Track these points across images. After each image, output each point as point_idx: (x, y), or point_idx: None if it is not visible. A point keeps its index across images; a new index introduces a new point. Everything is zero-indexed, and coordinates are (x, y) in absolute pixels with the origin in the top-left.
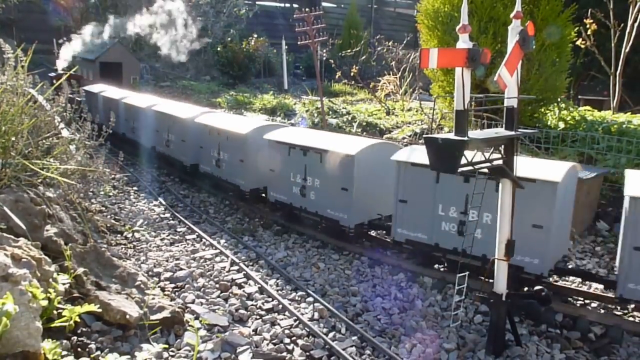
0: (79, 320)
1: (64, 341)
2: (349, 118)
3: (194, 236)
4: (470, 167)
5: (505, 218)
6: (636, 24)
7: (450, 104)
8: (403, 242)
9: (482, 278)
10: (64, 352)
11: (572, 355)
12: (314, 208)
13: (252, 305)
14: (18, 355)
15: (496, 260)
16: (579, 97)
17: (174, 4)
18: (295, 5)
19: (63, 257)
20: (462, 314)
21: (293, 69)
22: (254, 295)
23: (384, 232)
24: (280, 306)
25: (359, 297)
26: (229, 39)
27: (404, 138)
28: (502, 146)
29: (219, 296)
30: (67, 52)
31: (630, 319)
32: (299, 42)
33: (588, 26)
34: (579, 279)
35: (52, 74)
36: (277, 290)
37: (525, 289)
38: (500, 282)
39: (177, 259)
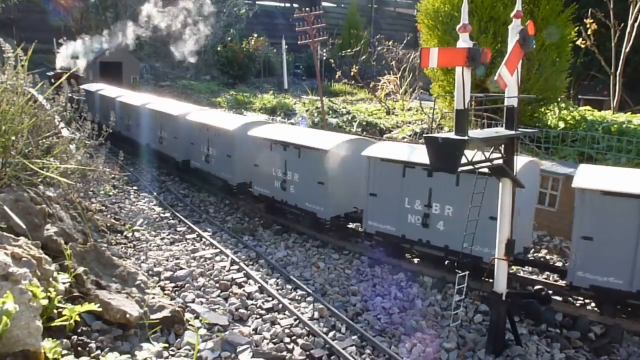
0: (79, 319)
1: (64, 340)
2: (349, 118)
3: (194, 235)
4: (470, 167)
5: (505, 218)
6: (636, 24)
7: (450, 104)
8: (374, 233)
9: (446, 265)
10: (64, 351)
11: (572, 354)
12: (294, 201)
13: (252, 304)
14: (18, 354)
15: (496, 260)
16: (579, 96)
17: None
18: (295, 5)
19: (63, 256)
20: (462, 313)
21: (293, 68)
22: (254, 294)
23: (360, 224)
24: (280, 305)
25: (359, 297)
26: (229, 38)
27: (404, 138)
28: (502, 146)
29: (219, 295)
30: (67, 52)
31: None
32: (299, 42)
33: (588, 26)
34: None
35: (51, 73)
36: (277, 290)
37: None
38: (500, 282)
39: (177, 259)
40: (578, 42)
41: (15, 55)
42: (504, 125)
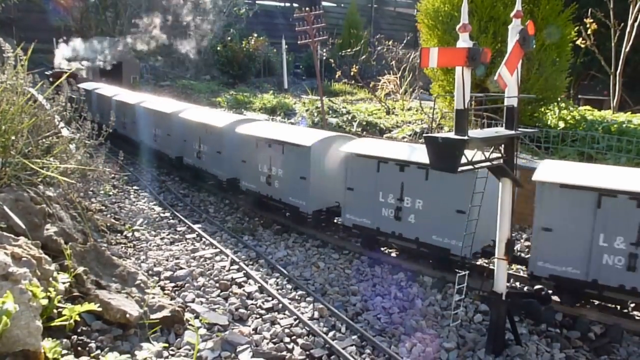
0: (79, 319)
1: (64, 340)
2: (349, 117)
3: (194, 235)
4: (470, 167)
5: (505, 217)
6: (636, 24)
7: (450, 104)
8: (351, 226)
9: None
10: (64, 351)
11: (572, 354)
12: (278, 195)
13: (252, 304)
14: (18, 354)
15: (496, 260)
16: (579, 96)
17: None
18: (295, 5)
19: (63, 256)
20: (462, 313)
21: (293, 68)
22: (254, 294)
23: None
24: (280, 305)
25: (359, 297)
26: (229, 38)
27: (403, 137)
28: (502, 145)
29: (219, 295)
30: (66, 51)
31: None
32: (299, 42)
33: (588, 26)
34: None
35: (48, 72)
36: (277, 290)
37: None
38: (500, 282)
39: (177, 258)
40: (578, 42)
41: (15, 55)
42: (503, 125)
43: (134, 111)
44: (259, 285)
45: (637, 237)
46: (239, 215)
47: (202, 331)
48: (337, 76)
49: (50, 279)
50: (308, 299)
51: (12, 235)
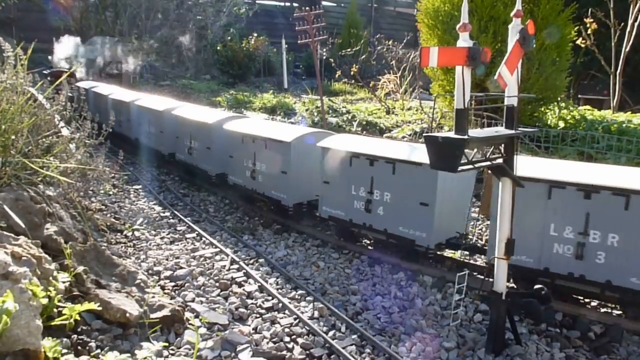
0: (79, 318)
1: (64, 339)
2: (349, 117)
3: (194, 235)
4: (470, 166)
5: (505, 217)
6: (636, 24)
7: (450, 103)
8: (327, 218)
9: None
10: (64, 350)
11: (571, 354)
12: (262, 190)
13: (252, 303)
14: (18, 353)
15: (496, 259)
16: (579, 96)
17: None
18: (295, 4)
19: (63, 255)
20: (462, 312)
21: (293, 68)
22: (254, 293)
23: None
24: (280, 305)
25: (359, 296)
26: (229, 38)
27: (403, 137)
28: (502, 145)
29: (219, 295)
30: (64, 50)
31: None
32: (299, 41)
33: (588, 25)
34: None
35: (46, 71)
36: (277, 289)
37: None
38: (500, 281)
39: (177, 258)
40: (578, 42)
41: (15, 55)
42: (503, 124)
43: (129, 109)
44: (259, 284)
45: (585, 227)
46: (239, 214)
47: (202, 330)
48: (337, 76)
49: (50, 278)
50: (308, 298)
51: (12, 235)
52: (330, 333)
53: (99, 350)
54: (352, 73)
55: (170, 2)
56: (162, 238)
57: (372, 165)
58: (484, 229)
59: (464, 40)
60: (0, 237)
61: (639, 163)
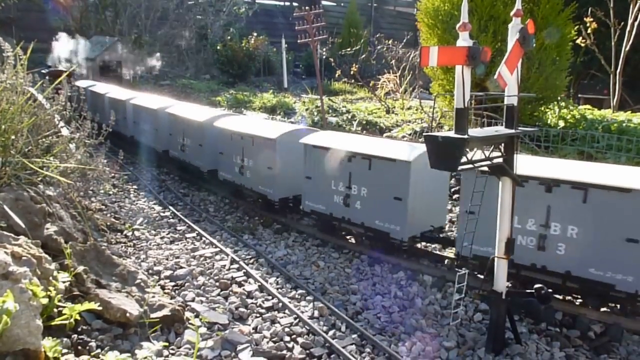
0: (79, 318)
1: (65, 339)
2: (349, 117)
3: (194, 234)
4: (470, 165)
5: (505, 216)
6: (636, 23)
7: (450, 103)
8: (309, 212)
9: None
10: (65, 350)
11: (571, 353)
12: (250, 185)
13: (252, 303)
14: (19, 353)
15: (496, 259)
16: (579, 95)
17: None
18: (294, 4)
19: (63, 255)
20: (462, 312)
21: (293, 67)
22: (254, 293)
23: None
24: (280, 304)
25: (359, 296)
26: (229, 37)
27: (403, 136)
28: (502, 144)
29: (219, 294)
30: (63, 49)
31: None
32: (298, 41)
33: (588, 25)
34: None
35: (44, 70)
36: (277, 289)
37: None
38: (500, 280)
39: (177, 257)
40: (578, 41)
41: (15, 55)
42: (503, 124)
43: (124, 108)
44: (259, 284)
45: (546, 219)
46: (239, 214)
47: (202, 330)
48: (337, 75)
49: (51, 278)
50: (308, 298)
51: (12, 235)
52: (330, 332)
53: (99, 350)
54: (352, 72)
55: (170, 2)
56: (162, 238)
57: (350, 161)
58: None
59: (464, 40)
60: (0, 237)
61: (639, 162)
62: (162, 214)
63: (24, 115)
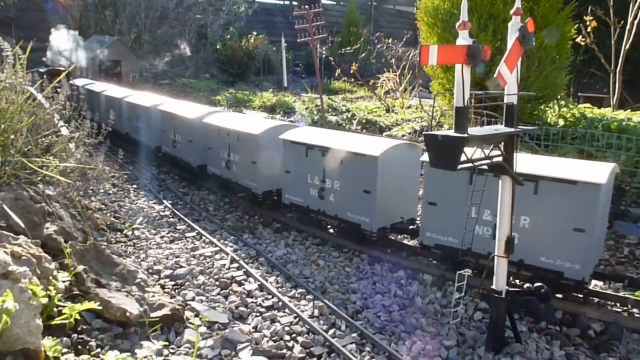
0: (79, 317)
1: (64, 338)
2: (349, 115)
3: (194, 234)
4: (470, 164)
5: (505, 215)
6: (636, 21)
7: (449, 102)
8: (289, 204)
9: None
10: (65, 350)
11: (571, 351)
12: (236, 179)
13: (252, 302)
14: (19, 352)
15: (496, 258)
16: (579, 94)
17: None
18: (294, 3)
19: (63, 254)
20: (461, 311)
21: (292, 66)
22: (254, 292)
23: None
24: (280, 303)
25: (359, 295)
26: (228, 36)
27: (403, 135)
28: (502, 143)
29: (219, 293)
30: (61, 46)
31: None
32: (298, 40)
33: (588, 23)
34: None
35: (42, 69)
36: (277, 288)
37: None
38: (500, 279)
39: (177, 257)
40: (578, 40)
41: (14, 54)
42: (503, 122)
43: (120, 106)
44: (259, 283)
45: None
46: (239, 213)
47: (202, 329)
48: (336, 74)
49: (50, 277)
50: (308, 297)
51: (12, 234)
52: (330, 331)
53: (99, 350)
54: (351, 71)
55: (170, 1)
56: (162, 237)
57: (324, 156)
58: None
59: (464, 38)
60: (0, 237)
61: (638, 161)
62: (162, 213)
63: (23, 114)
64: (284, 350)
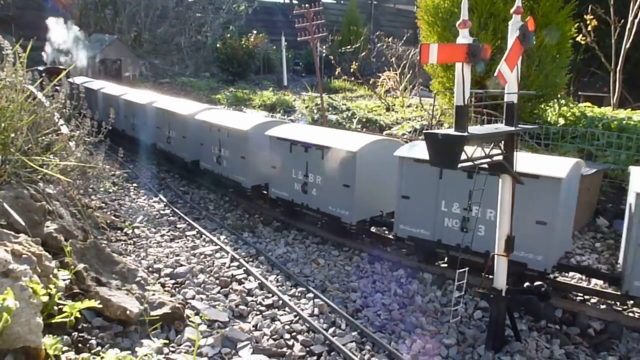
0: (79, 316)
1: (65, 337)
2: (349, 114)
3: (194, 232)
4: (470, 163)
5: (505, 214)
6: (636, 20)
7: (450, 100)
8: (275, 199)
9: (319, 225)
10: (65, 348)
11: (571, 350)
12: (226, 173)
13: (252, 301)
14: (19, 350)
15: (496, 256)
16: (579, 93)
17: None
18: (294, 2)
19: (63, 253)
20: (461, 309)
21: (293, 65)
22: (254, 291)
23: None
24: (281, 302)
25: (359, 293)
26: (228, 35)
27: (403, 134)
28: (502, 142)
29: (219, 292)
30: (59, 44)
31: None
32: (298, 39)
33: (588, 22)
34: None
35: (41, 68)
36: (277, 286)
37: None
38: (500, 278)
39: (177, 255)
40: (578, 39)
41: (14, 52)
42: (503, 121)
43: (117, 103)
44: (259, 282)
45: (468, 203)
46: (239, 212)
47: (203, 328)
48: (336, 73)
49: (51, 275)
50: (308, 295)
51: (12, 233)
52: (331, 330)
53: (99, 348)
54: (351, 70)
55: (170, 0)
56: (162, 236)
57: (307, 151)
58: None
59: (464, 37)
60: (0, 235)
61: (638, 160)
62: (162, 212)
63: (23, 113)
64: (284, 349)
